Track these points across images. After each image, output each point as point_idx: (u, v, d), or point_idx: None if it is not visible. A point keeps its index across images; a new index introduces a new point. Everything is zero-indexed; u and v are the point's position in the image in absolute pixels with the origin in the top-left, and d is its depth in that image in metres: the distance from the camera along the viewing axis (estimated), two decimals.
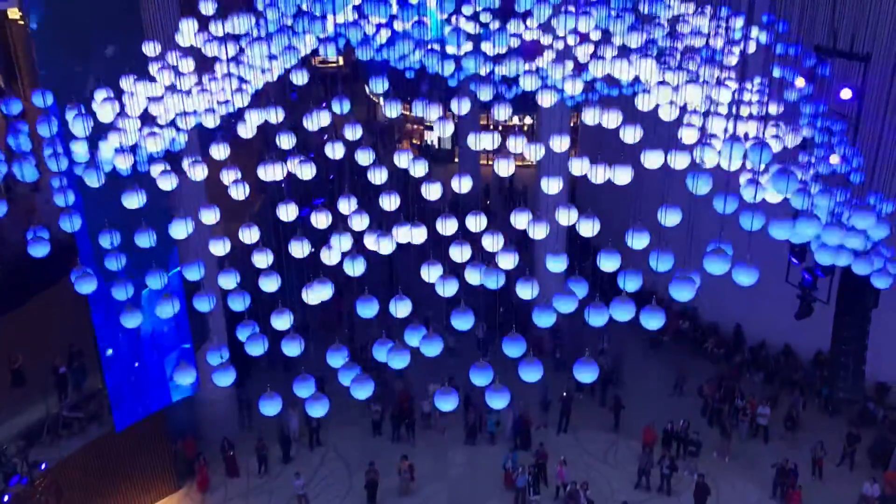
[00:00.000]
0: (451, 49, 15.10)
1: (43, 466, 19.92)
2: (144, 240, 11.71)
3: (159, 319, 21.25)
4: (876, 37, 14.82)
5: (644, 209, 10.98)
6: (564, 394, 25.54)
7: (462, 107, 12.84)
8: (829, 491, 23.06)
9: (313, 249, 11.97)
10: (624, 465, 24.55)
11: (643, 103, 13.26)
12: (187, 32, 13.66)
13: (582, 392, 26.86)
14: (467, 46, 15.19)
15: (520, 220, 11.39)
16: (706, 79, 12.72)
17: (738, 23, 14.76)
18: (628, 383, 27.36)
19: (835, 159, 13.30)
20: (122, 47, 14.13)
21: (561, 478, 23.17)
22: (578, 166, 11.92)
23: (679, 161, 11.46)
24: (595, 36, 14.53)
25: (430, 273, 10.36)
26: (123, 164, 12.27)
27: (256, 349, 10.87)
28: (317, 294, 10.96)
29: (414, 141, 43.07)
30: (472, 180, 13.04)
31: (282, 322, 11.08)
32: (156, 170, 12.83)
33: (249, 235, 11.75)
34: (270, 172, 12.35)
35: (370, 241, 11.64)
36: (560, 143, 12.99)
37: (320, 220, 12.20)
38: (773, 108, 14.03)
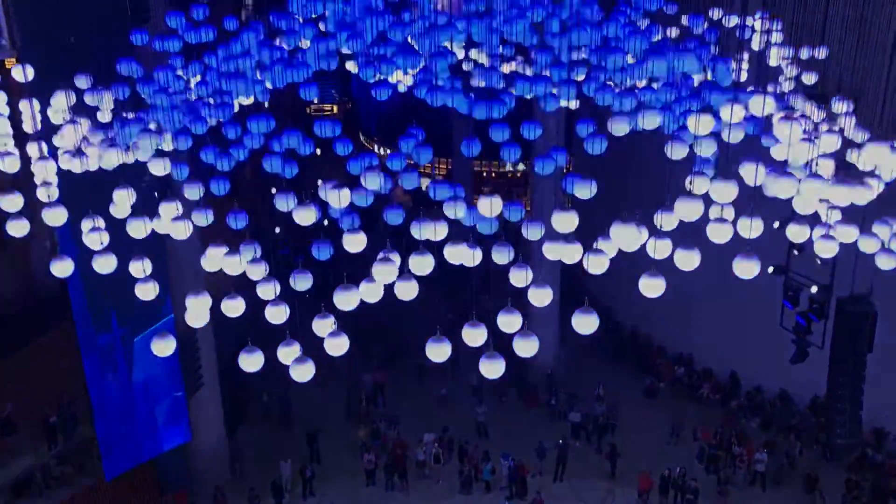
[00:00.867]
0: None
1: None
2: (148, 291, 10.94)
3: (151, 367, 21.14)
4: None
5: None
6: (560, 441, 25.33)
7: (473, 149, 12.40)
8: None
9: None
10: None
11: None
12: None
13: (578, 440, 26.66)
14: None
15: (517, 278, 10.85)
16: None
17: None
18: (624, 431, 27.15)
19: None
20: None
21: None
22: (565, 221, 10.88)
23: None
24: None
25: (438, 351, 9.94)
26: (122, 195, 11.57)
27: (254, 363, 10.34)
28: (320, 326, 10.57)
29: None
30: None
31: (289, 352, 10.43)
32: (166, 212, 11.98)
33: (257, 271, 11.35)
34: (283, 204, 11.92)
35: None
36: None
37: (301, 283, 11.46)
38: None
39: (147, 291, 10.67)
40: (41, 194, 11.80)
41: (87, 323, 19.59)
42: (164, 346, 10.55)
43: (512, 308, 9.66)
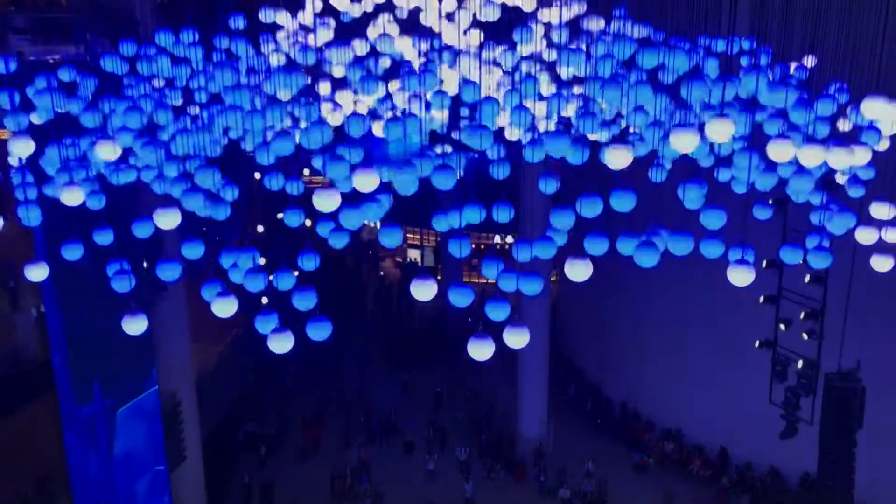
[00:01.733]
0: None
1: None
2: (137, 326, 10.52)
3: (133, 441, 20.78)
4: None
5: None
6: None
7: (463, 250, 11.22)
8: None
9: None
10: None
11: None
12: None
13: None
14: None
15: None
16: None
17: None
18: None
19: None
20: None
21: None
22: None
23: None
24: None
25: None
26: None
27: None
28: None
29: (397, 259, 43.44)
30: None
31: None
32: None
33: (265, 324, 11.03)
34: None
35: None
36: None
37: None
38: None
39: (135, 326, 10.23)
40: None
41: (70, 394, 19.32)
42: (135, 325, 10.10)
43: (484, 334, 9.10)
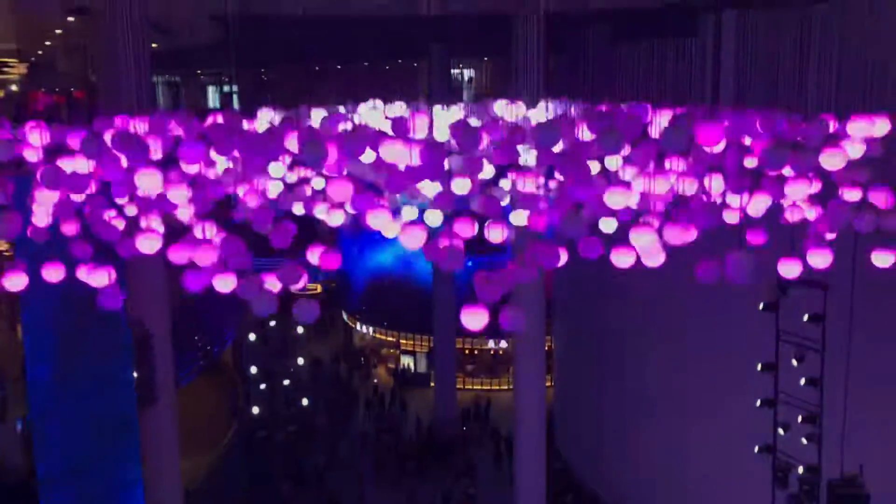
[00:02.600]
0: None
1: None
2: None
3: None
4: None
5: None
6: None
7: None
8: None
9: None
10: None
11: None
12: None
13: None
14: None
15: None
16: None
17: None
18: None
19: None
20: None
21: None
22: None
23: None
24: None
25: None
26: None
27: None
28: None
29: (389, 366, 43.03)
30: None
31: None
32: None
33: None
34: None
35: None
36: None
37: None
38: None
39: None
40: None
41: None
42: (99, 277, 9.70)
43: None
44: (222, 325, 34.30)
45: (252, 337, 38.99)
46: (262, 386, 36.48)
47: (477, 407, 36.62)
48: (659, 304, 24.75)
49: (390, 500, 30.64)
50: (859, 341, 16.77)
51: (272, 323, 43.72)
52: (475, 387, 39.67)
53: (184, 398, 16.93)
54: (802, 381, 16.89)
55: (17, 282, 9.94)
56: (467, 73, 49.07)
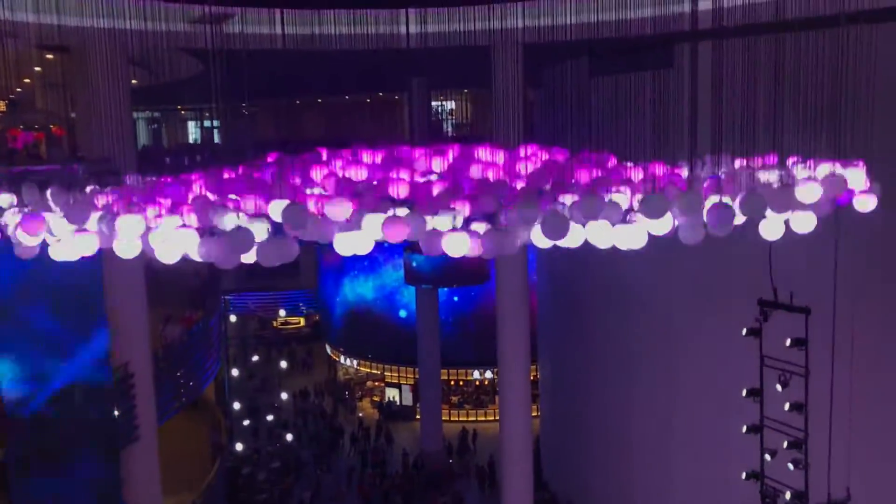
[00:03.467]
0: None
1: None
2: None
3: None
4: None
5: None
6: None
7: None
8: None
9: None
10: None
11: None
12: None
13: None
14: None
15: None
16: None
17: None
18: None
19: None
20: None
21: None
22: None
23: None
24: None
25: None
26: None
27: None
28: None
29: (374, 398, 42.68)
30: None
31: None
32: None
33: None
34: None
35: None
36: None
37: None
38: None
39: None
40: None
41: None
42: (86, 244, 9.67)
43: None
44: (205, 361, 33.93)
45: (235, 372, 38.60)
46: (246, 422, 36.05)
47: (463, 439, 36.33)
48: (643, 334, 24.79)
49: None
50: (841, 364, 16.81)
51: (255, 358, 43.39)
52: (461, 419, 39.41)
53: (166, 435, 16.66)
54: (787, 406, 16.89)
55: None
56: (448, 105, 49.44)
